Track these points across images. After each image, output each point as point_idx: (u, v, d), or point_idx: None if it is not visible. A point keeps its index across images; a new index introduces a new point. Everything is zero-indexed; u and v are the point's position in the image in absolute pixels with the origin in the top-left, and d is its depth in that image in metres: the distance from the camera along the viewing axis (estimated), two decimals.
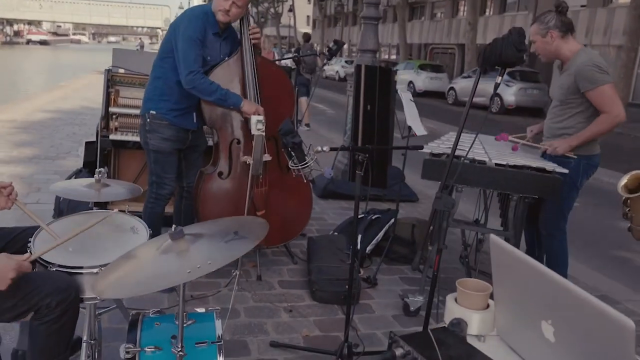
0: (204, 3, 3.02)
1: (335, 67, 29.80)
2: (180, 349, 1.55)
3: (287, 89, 3.25)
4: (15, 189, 1.84)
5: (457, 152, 2.44)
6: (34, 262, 1.61)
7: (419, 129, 3.57)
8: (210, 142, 3.36)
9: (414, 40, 33.94)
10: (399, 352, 1.04)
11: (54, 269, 1.67)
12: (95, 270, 1.69)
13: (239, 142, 3.09)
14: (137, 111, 3.71)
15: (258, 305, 2.97)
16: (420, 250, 3.17)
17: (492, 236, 1.15)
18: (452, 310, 1.24)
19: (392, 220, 3.83)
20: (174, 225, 1.43)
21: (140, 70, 3.79)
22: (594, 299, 0.87)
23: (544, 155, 3.18)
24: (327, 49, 3.43)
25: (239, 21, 3.01)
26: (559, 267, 3.26)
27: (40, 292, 1.59)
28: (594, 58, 2.89)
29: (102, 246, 1.80)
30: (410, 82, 22.78)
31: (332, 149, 2.07)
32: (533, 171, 2.77)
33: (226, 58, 3.04)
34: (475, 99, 13.38)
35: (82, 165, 3.80)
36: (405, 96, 3.64)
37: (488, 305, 1.26)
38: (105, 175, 3.52)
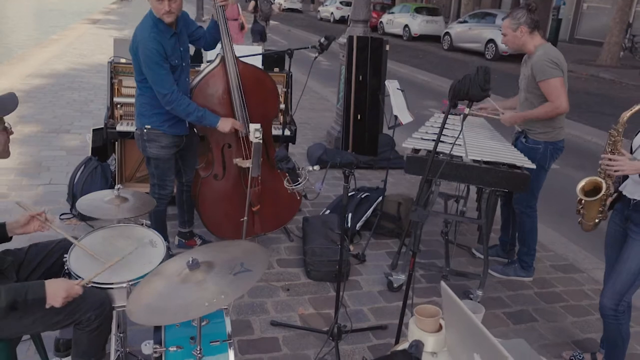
0: None
1: (330, 9, 29.19)
2: (199, 351, 1.91)
3: (270, 89, 3.41)
4: (47, 215, 2.15)
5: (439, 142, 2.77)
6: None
7: (405, 117, 3.83)
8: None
9: None
10: None
11: (89, 286, 2.01)
12: (124, 285, 2.03)
13: (230, 146, 3.33)
14: None
15: (259, 285, 3.35)
16: (398, 254, 3.52)
17: (442, 283, 1.48)
18: (413, 332, 1.60)
19: (380, 197, 4.16)
20: (191, 258, 1.75)
21: None
22: (503, 351, 1.20)
23: (516, 142, 3.52)
24: (318, 43, 3.60)
25: (220, 28, 3.15)
26: (528, 241, 3.65)
27: (81, 309, 1.94)
28: (550, 53, 3.24)
29: (128, 262, 2.13)
30: (406, 25, 22.51)
31: (321, 168, 2.35)
32: (504, 167, 3.08)
33: (212, 65, 3.22)
34: (470, 45, 13.56)
35: (90, 153, 4.06)
36: (392, 85, 3.87)
37: (441, 326, 1.61)
38: (115, 164, 3.81)
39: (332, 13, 28.66)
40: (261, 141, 2.77)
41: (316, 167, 2.33)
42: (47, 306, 1.83)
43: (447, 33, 19.57)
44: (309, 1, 44.56)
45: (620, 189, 2.56)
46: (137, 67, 3.00)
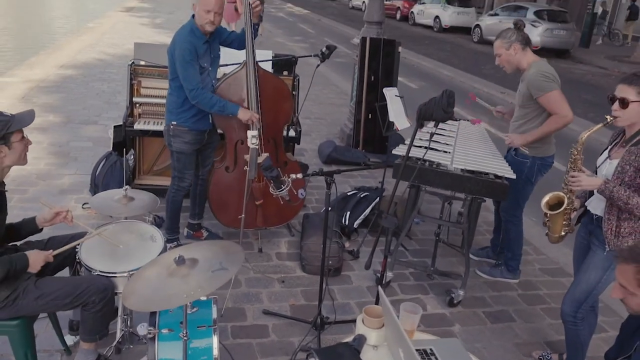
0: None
1: None
2: (185, 334, 2.21)
3: (285, 97, 3.70)
4: (70, 213, 2.50)
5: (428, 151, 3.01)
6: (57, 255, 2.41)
7: (402, 123, 4.03)
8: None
9: None
10: None
11: (96, 273, 2.34)
12: (125, 274, 2.36)
13: (242, 143, 3.64)
14: (157, 100, 4.28)
15: (256, 276, 3.65)
16: (371, 256, 3.65)
17: (379, 288, 1.73)
18: (359, 327, 1.86)
19: (378, 198, 4.40)
20: (178, 255, 2.04)
21: (159, 62, 4.29)
22: (412, 348, 1.45)
23: (507, 154, 3.68)
24: (320, 53, 3.84)
25: (247, 39, 3.44)
26: (513, 247, 3.84)
27: (87, 292, 2.27)
28: (543, 68, 3.36)
29: (130, 254, 2.46)
30: (437, 16, 22.37)
31: (304, 176, 2.62)
32: (487, 176, 3.27)
33: (235, 69, 3.54)
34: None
35: (111, 148, 4.42)
36: (390, 93, 4.07)
37: (383, 324, 1.86)
38: (133, 159, 4.15)
39: (363, 2, 28.58)
40: (257, 147, 3.04)
41: (299, 175, 2.59)
42: (32, 270, 2.27)
43: (477, 25, 19.40)
44: None
45: (586, 204, 2.74)
46: (172, 67, 3.38)
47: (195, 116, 3.49)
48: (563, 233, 2.79)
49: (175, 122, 3.49)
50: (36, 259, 2.28)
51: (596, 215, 2.63)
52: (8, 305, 2.21)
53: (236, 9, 9.99)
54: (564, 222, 2.73)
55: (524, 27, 3.43)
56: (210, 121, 3.60)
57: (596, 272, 2.63)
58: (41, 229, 2.54)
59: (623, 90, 2.42)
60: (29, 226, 2.49)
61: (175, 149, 3.57)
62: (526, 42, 3.41)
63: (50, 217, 2.47)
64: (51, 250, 2.36)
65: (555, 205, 2.70)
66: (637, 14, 19.47)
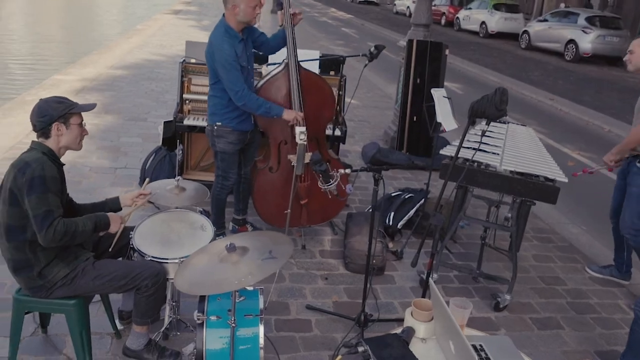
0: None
1: (406, 2, 29.05)
2: (233, 321, 2.25)
3: (327, 96, 3.72)
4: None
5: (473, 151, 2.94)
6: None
7: (450, 125, 3.99)
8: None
9: None
10: (360, 349, 1.67)
11: (149, 259, 2.42)
12: (176, 261, 2.42)
13: (285, 143, 3.67)
14: (206, 97, 4.36)
15: (300, 272, 3.67)
16: (417, 254, 3.62)
17: (430, 281, 1.72)
18: (408, 320, 1.85)
19: (423, 200, 4.35)
20: (230, 242, 2.08)
21: None
22: (466, 341, 1.43)
23: (629, 166, 3.56)
24: (368, 52, 3.84)
25: (288, 40, 3.50)
26: None
27: (141, 276, 2.35)
28: None
29: (181, 242, 2.53)
30: (483, 22, 22.02)
31: (353, 170, 2.62)
32: (537, 178, 3.19)
33: (277, 69, 3.58)
34: (549, 45, 13.72)
35: (161, 143, 4.54)
36: (438, 93, 4.03)
37: (432, 318, 1.84)
38: (181, 154, 4.25)
39: (408, 7, 28.45)
40: (305, 143, 3.07)
41: (348, 170, 2.60)
42: (112, 230, 2.46)
43: (525, 31, 18.98)
44: None
45: None
46: (212, 70, 3.41)
47: (239, 117, 3.51)
48: None
49: (219, 123, 3.52)
50: (115, 219, 2.45)
51: None
52: (67, 283, 2.31)
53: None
54: None
55: None
56: (253, 122, 3.63)
57: None
58: (121, 208, 2.67)
59: None
60: (113, 204, 2.62)
61: (219, 149, 3.61)
62: None
63: (134, 197, 2.60)
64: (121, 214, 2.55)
65: None
66: None
